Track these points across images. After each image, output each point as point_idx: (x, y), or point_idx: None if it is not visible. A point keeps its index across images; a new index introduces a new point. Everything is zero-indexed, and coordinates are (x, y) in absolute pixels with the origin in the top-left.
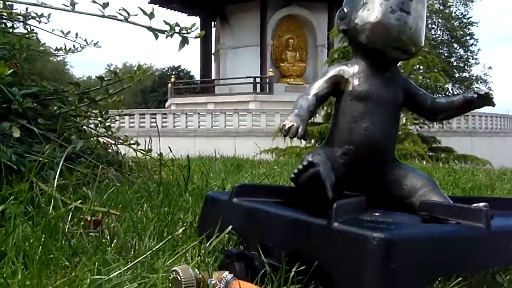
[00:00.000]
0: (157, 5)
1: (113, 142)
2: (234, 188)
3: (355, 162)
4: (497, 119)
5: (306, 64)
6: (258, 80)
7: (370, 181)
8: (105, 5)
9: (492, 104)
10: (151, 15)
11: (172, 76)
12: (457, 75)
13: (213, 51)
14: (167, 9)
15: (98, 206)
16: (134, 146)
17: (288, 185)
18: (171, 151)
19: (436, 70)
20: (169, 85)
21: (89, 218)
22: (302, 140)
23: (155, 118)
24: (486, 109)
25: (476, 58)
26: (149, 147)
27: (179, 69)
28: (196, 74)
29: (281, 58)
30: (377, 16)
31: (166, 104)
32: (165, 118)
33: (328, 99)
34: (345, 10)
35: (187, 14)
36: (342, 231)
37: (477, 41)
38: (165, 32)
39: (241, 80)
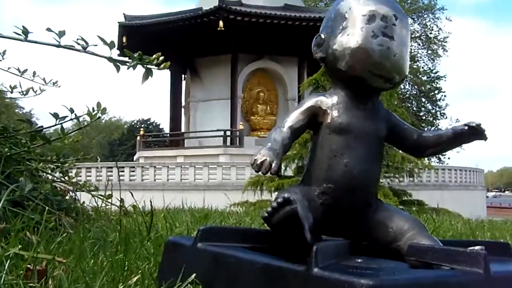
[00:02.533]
0: (126, 58)
1: (70, 188)
2: (199, 232)
3: (334, 202)
4: (466, 172)
5: (276, 117)
6: (228, 133)
7: (351, 223)
8: (61, 34)
9: (484, 138)
10: (111, 45)
11: (141, 129)
12: (425, 129)
13: (183, 104)
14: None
15: (44, 254)
16: (93, 192)
17: (258, 228)
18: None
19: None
20: (138, 138)
21: (32, 267)
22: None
23: (123, 171)
24: (455, 163)
25: (443, 113)
26: (110, 194)
27: (148, 122)
28: (166, 127)
29: (251, 111)
30: (358, 40)
31: (135, 157)
32: (133, 171)
33: (305, 131)
34: (322, 36)
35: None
36: (324, 277)
37: (445, 96)
38: (127, 63)
39: (211, 133)
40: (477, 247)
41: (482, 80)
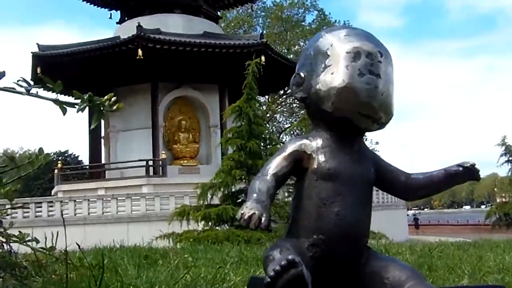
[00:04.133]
0: (41, 89)
1: (3, 240)
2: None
3: (326, 254)
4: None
5: (199, 145)
6: (150, 163)
7: (342, 275)
8: (1, 75)
9: (478, 178)
10: (58, 86)
11: (59, 161)
12: None
13: (102, 134)
14: (51, 92)
15: None
16: (33, 244)
17: None
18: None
19: None
20: (56, 171)
21: None
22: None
23: (40, 206)
24: None
25: (365, 135)
26: (52, 247)
27: (66, 154)
28: (85, 158)
29: (173, 139)
30: (344, 79)
31: (53, 192)
32: (52, 206)
33: (288, 178)
34: (302, 74)
35: (74, 97)
36: None
37: None
38: (76, 106)
39: (133, 163)
40: None
41: (402, 101)
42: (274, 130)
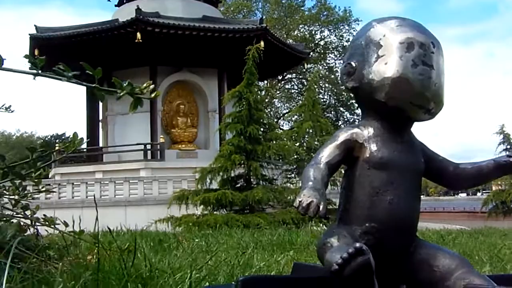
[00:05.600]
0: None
1: (30, 223)
2: (239, 282)
3: (378, 242)
4: None
5: (197, 129)
6: (148, 147)
7: (393, 263)
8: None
9: None
10: (98, 73)
11: (56, 144)
12: None
13: (100, 117)
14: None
15: None
16: (62, 227)
17: (295, 275)
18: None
19: (328, 133)
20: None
21: None
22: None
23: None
24: None
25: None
26: (82, 230)
27: (63, 137)
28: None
29: (172, 124)
30: (398, 70)
31: (50, 174)
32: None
33: (340, 166)
34: (353, 64)
35: (73, 81)
36: None
37: None
38: (115, 93)
39: (131, 147)
40: None
41: None
42: (272, 115)
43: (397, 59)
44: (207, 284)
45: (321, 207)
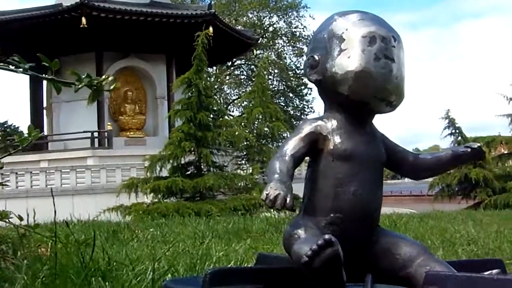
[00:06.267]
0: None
1: None
2: (207, 275)
3: (342, 232)
4: None
5: (146, 116)
6: (95, 134)
7: (357, 252)
8: None
9: (483, 157)
10: (55, 64)
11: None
12: (294, 123)
13: (44, 104)
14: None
15: None
16: (15, 221)
17: (261, 266)
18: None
19: (278, 120)
20: None
21: None
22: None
23: None
24: None
25: (311, 107)
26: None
27: (5, 125)
28: (26, 130)
29: (119, 111)
30: (361, 63)
31: None
32: None
33: (304, 158)
34: (316, 57)
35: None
36: None
37: (311, 91)
38: (72, 85)
39: (77, 135)
40: (494, 271)
41: None
42: (222, 101)
43: (360, 53)
44: (170, 276)
45: (288, 199)
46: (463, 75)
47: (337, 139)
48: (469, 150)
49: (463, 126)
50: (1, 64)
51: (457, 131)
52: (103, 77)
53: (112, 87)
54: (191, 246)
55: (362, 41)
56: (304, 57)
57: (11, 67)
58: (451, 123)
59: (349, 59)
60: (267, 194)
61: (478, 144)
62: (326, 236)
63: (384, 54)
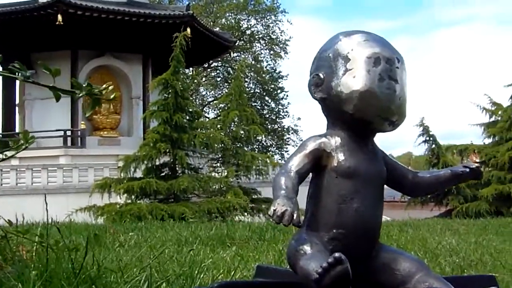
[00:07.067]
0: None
1: None
2: None
3: (344, 247)
4: None
5: (120, 116)
6: (68, 133)
7: (357, 266)
8: None
9: (481, 177)
10: (56, 72)
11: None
12: (269, 126)
13: (17, 102)
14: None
15: None
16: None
17: (267, 280)
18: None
19: (254, 123)
20: None
21: None
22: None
23: None
24: None
25: (286, 111)
26: (12, 222)
27: None
28: None
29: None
30: (366, 84)
31: None
32: None
33: (308, 175)
34: (321, 75)
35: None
36: None
37: (287, 95)
38: (73, 94)
39: (50, 133)
40: None
41: None
42: (198, 103)
43: (365, 73)
44: (164, 285)
45: (295, 215)
46: (437, 83)
47: (340, 156)
48: (467, 170)
49: (437, 134)
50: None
51: (431, 138)
52: (104, 86)
53: (112, 96)
54: (176, 253)
55: (367, 62)
56: (279, 60)
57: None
58: (425, 130)
59: (354, 79)
60: (274, 210)
61: (477, 164)
62: (337, 254)
63: (388, 75)
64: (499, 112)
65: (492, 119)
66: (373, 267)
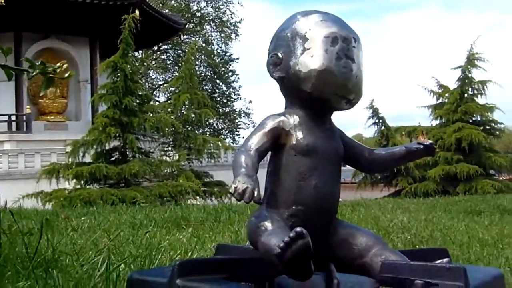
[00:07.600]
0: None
1: None
2: (176, 266)
3: (303, 223)
4: None
5: (67, 100)
6: (13, 118)
7: (316, 242)
8: None
9: (434, 153)
10: (8, 51)
11: None
12: (221, 110)
13: None
14: None
15: None
16: None
17: (228, 257)
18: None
19: (205, 106)
20: None
21: None
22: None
23: None
24: None
25: (238, 94)
26: None
27: None
28: None
29: (39, 94)
30: (324, 63)
31: None
32: None
33: (267, 153)
34: (279, 55)
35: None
36: None
37: (238, 78)
38: (25, 72)
39: None
40: (444, 260)
41: None
42: (148, 86)
43: (323, 53)
44: (123, 266)
45: (255, 193)
46: (387, 66)
47: (299, 135)
48: (421, 146)
49: (386, 116)
50: None
51: (380, 120)
52: (58, 64)
53: (67, 75)
54: (132, 235)
55: (325, 41)
56: (230, 43)
57: None
58: (375, 113)
59: (312, 58)
60: (235, 188)
61: (430, 141)
62: (298, 229)
63: (346, 54)
64: (446, 95)
65: (439, 101)
66: (331, 243)
